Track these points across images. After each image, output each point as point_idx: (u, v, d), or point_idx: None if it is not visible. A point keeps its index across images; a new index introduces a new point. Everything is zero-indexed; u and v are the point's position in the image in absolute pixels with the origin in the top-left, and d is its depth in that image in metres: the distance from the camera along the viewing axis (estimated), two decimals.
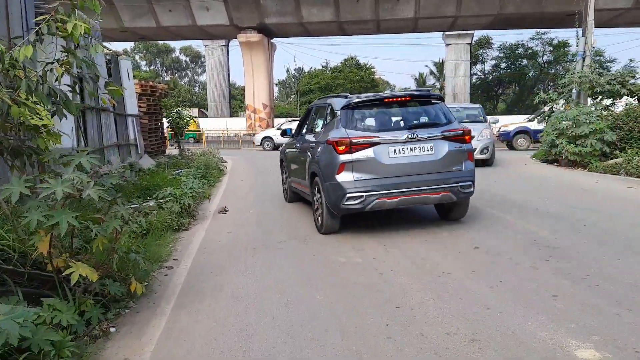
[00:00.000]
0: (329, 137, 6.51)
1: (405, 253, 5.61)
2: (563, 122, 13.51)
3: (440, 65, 59.19)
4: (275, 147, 24.95)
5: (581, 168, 13.01)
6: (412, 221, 7.32)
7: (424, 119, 6.78)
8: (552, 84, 54.38)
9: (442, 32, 44.35)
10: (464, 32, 43.31)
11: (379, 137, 6.29)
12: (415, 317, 3.85)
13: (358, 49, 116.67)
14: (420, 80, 61.88)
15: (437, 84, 61.24)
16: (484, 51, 52.26)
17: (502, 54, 51.71)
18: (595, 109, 14.24)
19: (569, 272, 4.73)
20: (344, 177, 6.24)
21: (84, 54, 4.06)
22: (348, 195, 6.20)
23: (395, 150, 6.27)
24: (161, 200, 8.42)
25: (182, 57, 78.28)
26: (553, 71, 52.67)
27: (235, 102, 65.42)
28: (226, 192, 11.02)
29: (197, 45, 69.17)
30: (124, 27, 32.65)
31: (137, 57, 77.36)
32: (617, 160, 12.22)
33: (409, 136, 6.28)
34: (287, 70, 70.52)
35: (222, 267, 5.42)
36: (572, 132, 13.16)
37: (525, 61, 51.41)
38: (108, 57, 13.36)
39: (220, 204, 9.39)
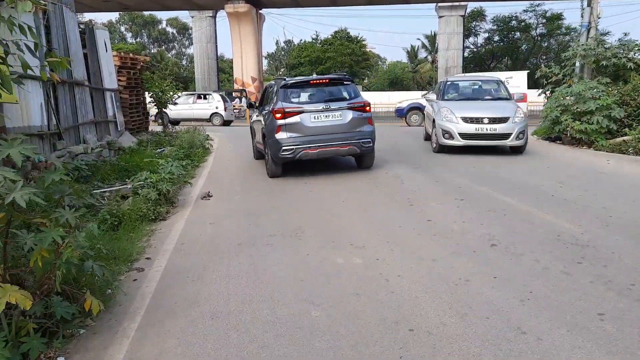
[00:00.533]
0: (271, 108, 9.16)
1: (414, 253, 4.83)
2: (567, 97, 12.71)
3: (432, 38, 57.91)
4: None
5: (586, 146, 12.26)
6: (420, 221, 6.53)
7: (336, 95, 9.39)
8: (544, 57, 53.51)
9: (435, 4, 43.07)
10: (457, 3, 42.07)
11: (303, 107, 8.99)
12: (435, 346, 3.09)
13: (349, 20, 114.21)
14: (412, 53, 60.63)
15: (429, 57, 60.07)
16: (477, 24, 51.04)
17: (495, 27, 50.53)
18: (600, 83, 13.43)
19: (609, 280, 3.98)
20: (280, 135, 8.92)
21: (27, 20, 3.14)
22: (283, 148, 8.87)
23: (315, 117, 8.96)
24: (137, 185, 7.57)
25: (169, 29, 76.05)
26: (546, 44, 51.72)
27: (224, 76, 63.83)
28: (211, 173, 10.16)
29: (184, 16, 67.09)
30: None
31: (122, 28, 75.10)
32: (626, 138, 11.48)
33: (324, 107, 8.98)
34: (277, 43, 68.81)
35: (201, 271, 4.62)
36: (577, 108, 12.37)
37: (518, 34, 50.31)
38: (82, 26, 12.27)
39: (204, 187, 8.54)
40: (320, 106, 8.98)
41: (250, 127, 12.38)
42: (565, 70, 14.71)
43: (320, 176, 9.27)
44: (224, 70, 65.54)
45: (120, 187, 8.15)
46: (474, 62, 51.24)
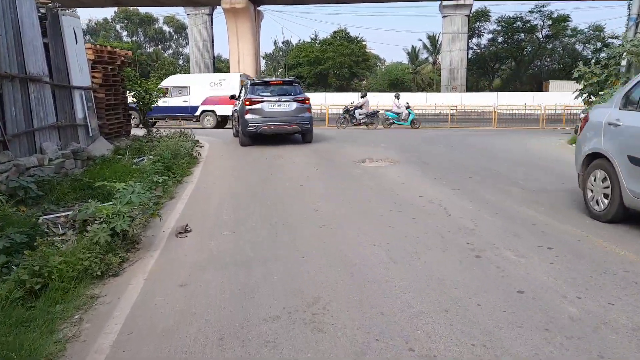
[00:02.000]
0: (243, 98, 13.41)
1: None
2: None
3: (433, 39, 55.88)
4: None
5: None
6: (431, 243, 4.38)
7: (287, 92, 13.46)
8: (548, 59, 51.51)
9: (439, 2, 41.08)
10: (462, 2, 40.10)
11: (264, 98, 13.13)
12: None
13: (349, 18, 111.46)
14: (413, 54, 58.58)
15: (430, 58, 58.01)
16: (481, 24, 49.03)
17: (499, 28, 48.53)
18: None
19: None
20: (248, 116, 13.04)
21: None
22: (249, 125, 13.01)
23: (271, 105, 13.06)
24: (81, 217, 5.41)
25: (166, 28, 73.85)
26: (550, 47, 49.72)
27: None
28: (195, 194, 7.97)
29: (181, 15, 64.82)
30: None
31: (118, 27, 72.89)
32: None
33: (277, 99, 13.13)
34: (275, 43, 66.52)
35: None
36: None
37: (522, 35, 48.29)
38: (42, 10, 10.06)
39: (183, 216, 6.38)
40: (275, 98, 13.19)
41: (232, 113, 16.60)
42: (611, 70, 12.63)
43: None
44: (221, 70, 63.25)
45: (77, 211, 6.01)
46: (477, 63, 49.25)
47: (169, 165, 9.64)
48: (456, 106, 27.47)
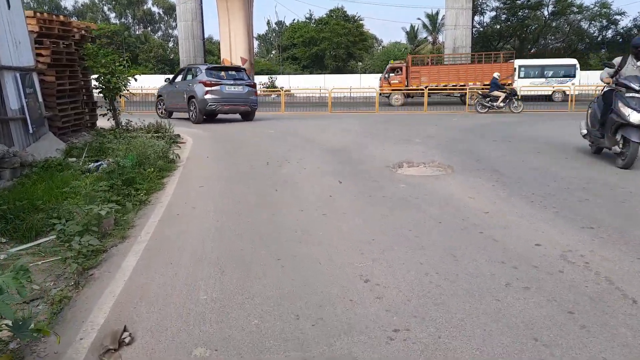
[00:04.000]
0: (201, 80, 14.47)
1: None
2: None
3: (433, 18, 52.50)
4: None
5: None
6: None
7: (239, 77, 15.34)
8: (552, 37, 48.34)
9: None
10: None
11: (221, 82, 14.60)
12: None
13: (343, 4, 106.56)
14: (412, 34, 55.18)
15: (430, 38, 54.69)
16: (484, 1, 45.66)
17: (502, 4, 45.20)
18: None
19: None
20: (207, 96, 14.26)
21: None
22: (209, 104, 14.29)
23: (227, 88, 14.62)
24: None
25: (155, 9, 69.78)
26: (554, 24, 46.51)
27: (212, 58, 58.10)
28: (156, 238, 4.90)
29: None
30: None
31: (105, 8, 68.81)
32: None
33: (233, 82, 14.84)
34: (268, 23, 62.64)
35: None
36: None
37: (526, 12, 44.99)
38: None
39: (124, 301, 3.38)
40: (232, 82, 14.85)
41: (159, 96, 17.63)
42: None
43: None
44: (212, 52, 59.61)
45: None
46: (480, 42, 45.97)
47: (129, 178, 6.59)
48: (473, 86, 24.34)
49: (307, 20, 53.73)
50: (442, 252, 3.91)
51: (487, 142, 9.52)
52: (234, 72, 15.43)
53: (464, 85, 25.75)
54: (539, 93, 27.12)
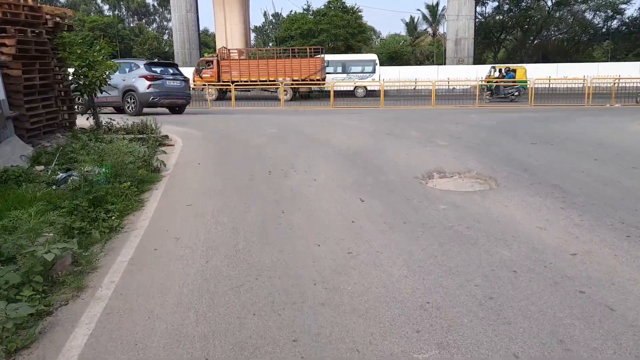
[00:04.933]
0: (142, 75, 14.61)
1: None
2: None
3: (433, 9, 50.92)
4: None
5: None
6: None
7: (176, 72, 15.87)
8: (555, 29, 46.89)
9: None
10: None
11: (163, 76, 14.93)
12: None
13: None
14: (411, 25, 53.60)
15: (430, 30, 53.14)
16: None
17: None
18: None
19: None
20: (149, 90, 14.47)
21: None
22: (151, 97, 14.52)
23: (167, 82, 14.98)
24: None
25: (149, 1, 67.89)
26: (558, 15, 45.02)
27: (208, 51, 56.46)
28: (125, 285, 3.57)
29: None
30: None
31: (98, 0, 66.91)
32: None
33: (173, 77, 15.31)
34: (265, 15, 60.86)
35: None
36: None
37: (529, 2, 43.48)
38: None
39: None
40: (171, 76, 15.29)
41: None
42: None
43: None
44: (208, 44, 57.91)
45: None
46: (481, 33, 44.49)
47: (99, 196, 5.22)
48: (487, 80, 22.88)
49: (304, 12, 52.04)
50: (537, 331, 2.58)
51: (524, 145, 8.14)
52: (169, 68, 15.94)
53: (274, 80, 24.88)
54: (342, 88, 26.72)
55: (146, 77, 14.53)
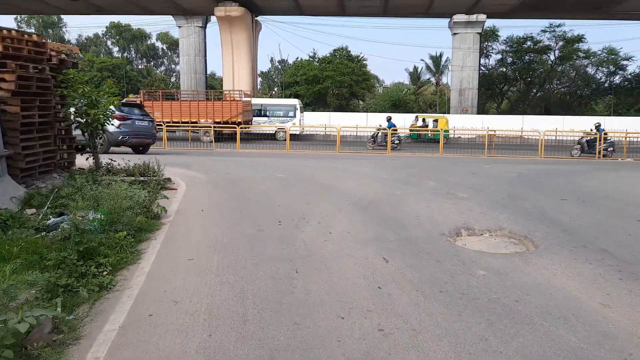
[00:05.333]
0: (115, 114, 11.42)
1: None
2: None
3: (437, 59, 51.62)
4: None
5: None
6: None
7: (143, 112, 16.10)
8: (557, 82, 47.34)
9: (449, 19, 36.81)
10: (475, 18, 35.79)
11: (131, 116, 15.02)
12: None
13: (352, 31, 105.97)
14: (414, 75, 54.23)
15: (433, 79, 53.73)
16: (489, 44, 44.77)
17: (508, 48, 44.27)
18: None
19: None
20: (119, 129, 14.37)
21: None
22: (120, 136, 14.56)
23: (137, 122, 15.12)
24: None
25: (159, 45, 69.08)
26: (560, 69, 45.51)
27: (214, 94, 56.97)
28: None
29: (175, 31, 60.10)
30: None
31: (109, 42, 68.17)
32: None
33: (142, 117, 15.48)
34: (271, 61, 61.66)
35: None
36: None
37: (532, 56, 44.00)
38: None
39: None
40: (140, 117, 15.45)
41: None
42: None
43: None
44: (214, 87, 58.49)
45: None
46: (485, 84, 44.84)
47: (90, 248, 4.62)
48: (494, 130, 22.61)
49: (310, 59, 52.79)
50: None
51: (554, 200, 7.54)
52: (138, 108, 16.17)
53: (196, 122, 24.94)
54: (263, 131, 27.15)
55: (117, 117, 14.31)
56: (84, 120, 8.99)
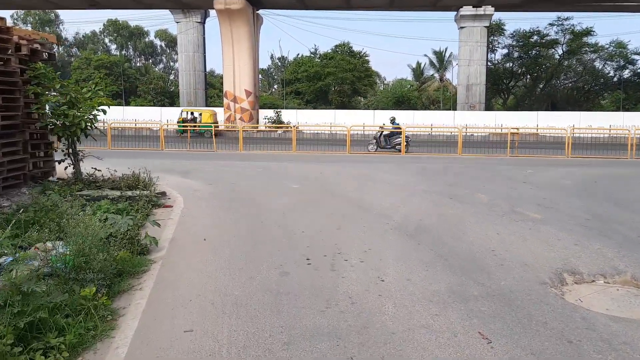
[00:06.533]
0: None
1: None
2: None
3: (440, 55, 49.91)
4: None
5: None
6: None
7: None
8: (564, 77, 45.70)
9: (455, 12, 35.16)
10: (483, 12, 34.14)
11: None
12: None
13: (355, 24, 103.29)
14: (418, 71, 52.54)
15: (436, 75, 52.01)
16: (495, 38, 43.04)
17: (514, 42, 42.56)
18: None
19: None
20: None
21: None
22: None
23: None
24: None
25: (157, 42, 67.18)
26: (566, 63, 43.83)
27: (214, 91, 55.25)
28: None
29: (174, 27, 58.25)
30: None
31: (106, 40, 66.30)
32: None
33: None
34: (272, 57, 59.74)
35: None
36: None
37: (539, 50, 42.32)
38: None
39: None
40: None
41: None
42: None
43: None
44: (213, 85, 56.69)
45: None
46: (491, 80, 43.17)
47: (39, 320, 3.01)
48: (517, 129, 20.76)
49: (311, 55, 51.07)
50: None
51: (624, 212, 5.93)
52: None
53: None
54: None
55: None
56: (61, 122, 7.33)
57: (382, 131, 18.44)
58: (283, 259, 4.56)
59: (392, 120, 18.71)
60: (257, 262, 4.48)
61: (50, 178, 8.12)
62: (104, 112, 7.55)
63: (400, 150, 17.48)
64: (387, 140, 18.00)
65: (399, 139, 17.69)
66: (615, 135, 20.20)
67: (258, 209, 6.66)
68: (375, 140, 18.20)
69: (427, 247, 4.81)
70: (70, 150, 7.72)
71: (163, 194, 7.29)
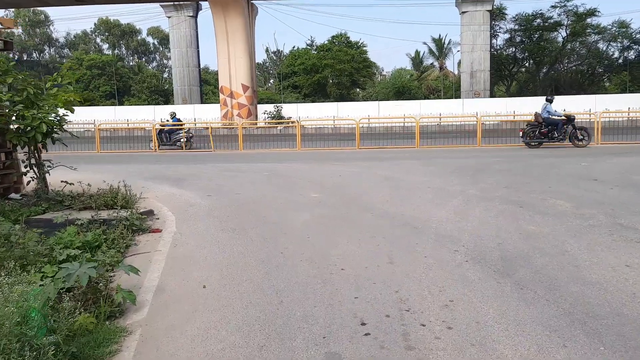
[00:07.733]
0: None
1: None
2: None
3: (440, 42, 48.17)
4: None
5: None
6: None
7: None
8: (566, 60, 44.04)
9: None
10: None
11: None
12: None
13: (353, 10, 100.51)
14: (417, 59, 50.80)
15: (436, 64, 50.31)
16: (496, 23, 41.31)
17: (516, 27, 40.86)
18: None
19: None
20: None
21: None
22: None
23: None
24: None
25: (150, 40, 65.21)
26: (569, 47, 42.16)
27: (209, 88, 53.50)
28: None
29: (165, 24, 56.20)
30: None
31: (98, 39, 64.34)
32: None
33: None
34: (267, 51, 57.85)
35: None
36: None
37: (542, 33, 40.64)
38: None
39: None
40: None
41: None
42: None
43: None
44: (208, 81, 54.84)
45: None
46: (493, 66, 41.50)
47: None
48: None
49: (308, 47, 49.25)
50: None
51: None
52: None
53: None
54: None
55: None
56: (16, 126, 5.68)
57: None
58: (324, 323, 2.95)
59: (173, 116, 17.85)
60: (286, 333, 2.87)
61: (13, 195, 6.50)
62: (72, 111, 5.89)
63: (181, 147, 16.89)
64: (169, 137, 17.32)
65: (181, 135, 17.03)
66: (618, 119, 18.67)
67: (273, 232, 5.01)
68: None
69: (539, 296, 3.18)
70: (33, 160, 6.08)
71: (150, 212, 5.65)
